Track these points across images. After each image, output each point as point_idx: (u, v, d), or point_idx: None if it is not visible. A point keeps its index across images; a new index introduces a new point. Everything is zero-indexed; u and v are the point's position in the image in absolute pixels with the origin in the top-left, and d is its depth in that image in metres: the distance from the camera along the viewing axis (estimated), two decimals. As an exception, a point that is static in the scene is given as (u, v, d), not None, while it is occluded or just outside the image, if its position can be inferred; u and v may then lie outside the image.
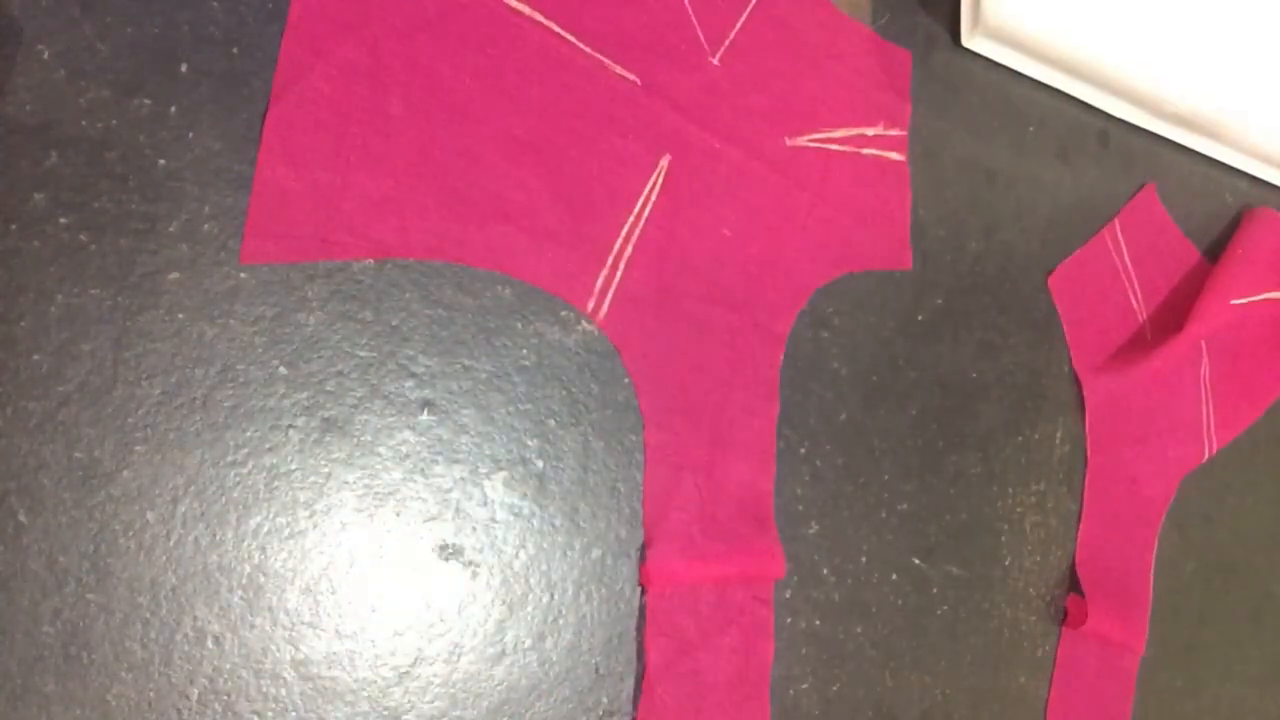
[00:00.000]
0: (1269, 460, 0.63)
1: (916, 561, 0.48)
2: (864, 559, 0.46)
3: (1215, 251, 0.61)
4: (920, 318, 0.50)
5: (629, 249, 0.41)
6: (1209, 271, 0.59)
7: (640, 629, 0.40)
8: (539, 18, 0.40)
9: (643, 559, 0.40)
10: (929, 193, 0.50)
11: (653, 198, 0.42)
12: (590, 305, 0.40)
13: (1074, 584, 0.53)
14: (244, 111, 0.35)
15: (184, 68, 0.34)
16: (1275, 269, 0.60)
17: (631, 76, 0.42)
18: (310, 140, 0.35)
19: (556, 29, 0.41)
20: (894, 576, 0.47)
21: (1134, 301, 0.57)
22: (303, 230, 0.35)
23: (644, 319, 0.41)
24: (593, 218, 0.41)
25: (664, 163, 0.42)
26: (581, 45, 0.41)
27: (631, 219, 0.42)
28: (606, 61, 0.42)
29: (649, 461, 0.41)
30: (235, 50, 0.35)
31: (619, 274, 0.41)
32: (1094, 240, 0.56)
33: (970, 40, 0.52)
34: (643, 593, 0.40)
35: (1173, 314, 0.58)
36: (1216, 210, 0.63)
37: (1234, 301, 0.58)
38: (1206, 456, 0.60)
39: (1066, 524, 0.54)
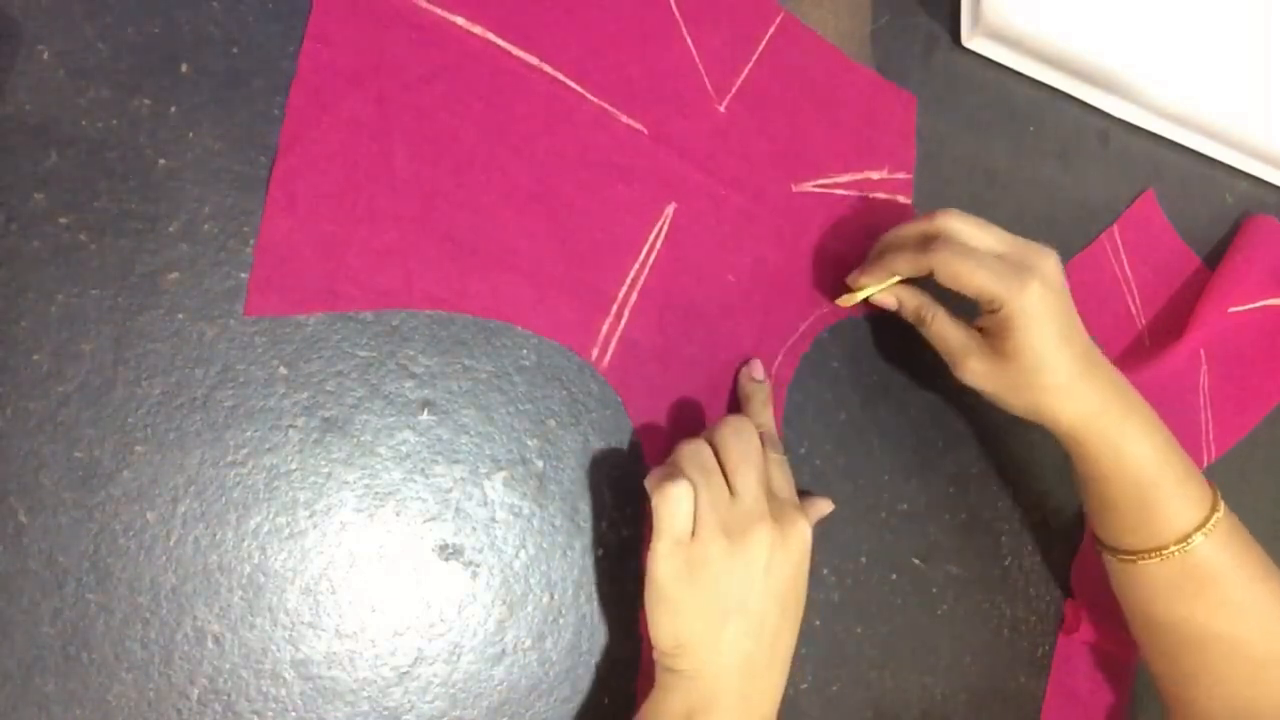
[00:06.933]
0: (1268, 461, 0.63)
1: (916, 561, 0.48)
2: (864, 559, 0.46)
3: (1214, 256, 0.61)
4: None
5: (633, 297, 0.41)
6: (1208, 279, 0.59)
7: (634, 676, 0.40)
8: (547, 68, 0.40)
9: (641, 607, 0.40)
10: (929, 192, 0.50)
11: (657, 245, 0.42)
12: (594, 354, 0.40)
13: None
14: (244, 111, 0.35)
15: (184, 68, 0.34)
16: (1273, 276, 0.60)
17: (639, 125, 0.42)
18: (316, 193, 0.35)
19: (564, 79, 0.41)
20: (894, 576, 0.47)
21: (1133, 308, 0.57)
22: (308, 282, 0.35)
23: (647, 366, 0.41)
24: (597, 266, 0.41)
25: (669, 210, 0.42)
26: (589, 95, 0.41)
27: (636, 267, 0.41)
28: (613, 111, 0.42)
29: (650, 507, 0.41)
30: (235, 50, 0.35)
31: (623, 322, 0.41)
32: (1093, 246, 0.56)
33: (970, 40, 0.52)
34: (641, 641, 0.40)
35: (1172, 321, 0.58)
36: (1216, 211, 0.63)
37: (1232, 309, 0.58)
38: (1205, 464, 0.60)
39: (1066, 524, 0.54)
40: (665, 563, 0.34)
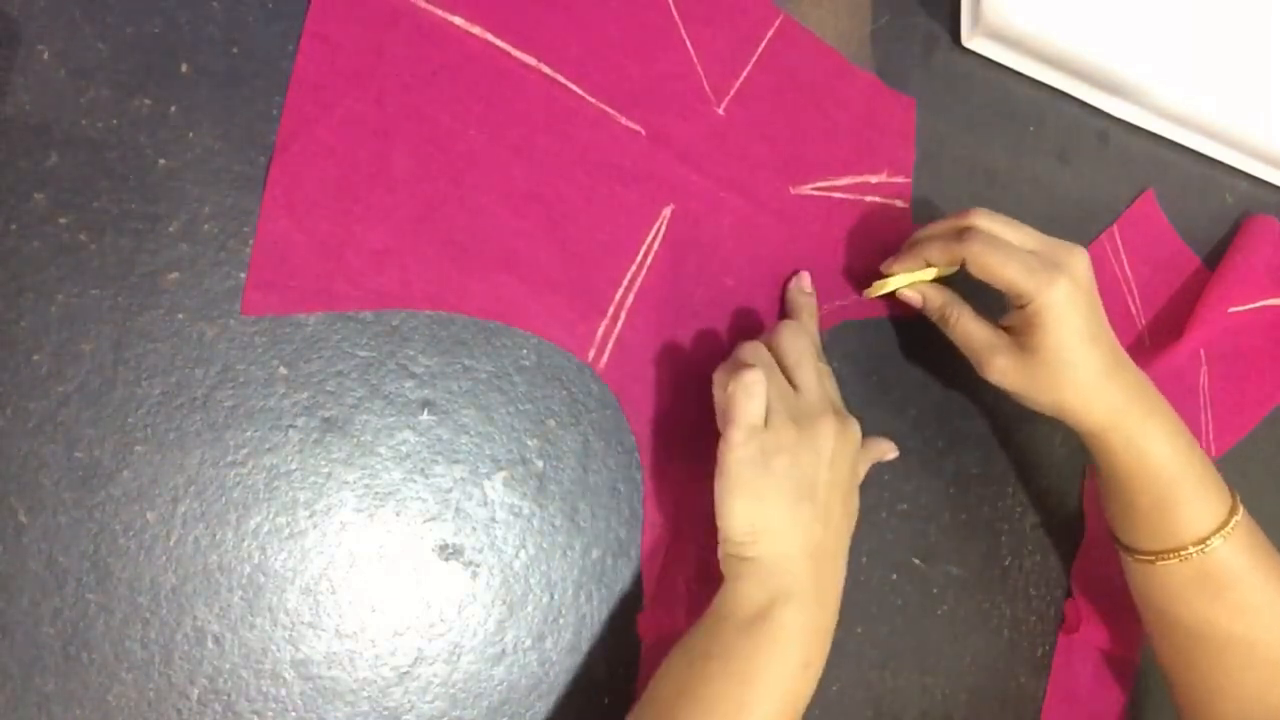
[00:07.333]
0: (1268, 461, 0.63)
1: (916, 561, 0.48)
2: (864, 559, 0.46)
3: (1214, 256, 0.61)
4: (920, 317, 0.50)
5: (630, 298, 0.41)
6: (1208, 279, 0.59)
7: (634, 676, 0.40)
8: (546, 69, 0.40)
9: (641, 609, 0.40)
10: (929, 192, 0.50)
11: (654, 247, 0.42)
12: (591, 355, 0.40)
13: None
14: (244, 111, 0.35)
15: (184, 68, 0.34)
16: (1273, 276, 0.60)
17: (637, 127, 0.42)
18: (314, 192, 0.35)
19: (563, 80, 0.40)
20: (894, 576, 0.47)
21: (1133, 308, 0.57)
22: (305, 282, 0.35)
23: (645, 369, 0.41)
24: (595, 268, 0.41)
25: (666, 212, 0.42)
26: (588, 97, 0.41)
27: (633, 268, 0.41)
28: (612, 112, 0.42)
29: (648, 510, 0.41)
30: (235, 50, 0.35)
31: (620, 324, 0.41)
32: (1092, 246, 0.56)
33: (970, 40, 0.52)
34: (641, 641, 0.40)
35: (1171, 321, 0.58)
36: (1216, 211, 0.63)
37: (1232, 309, 0.58)
38: None
39: (1066, 524, 0.54)
40: (741, 450, 0.35)
